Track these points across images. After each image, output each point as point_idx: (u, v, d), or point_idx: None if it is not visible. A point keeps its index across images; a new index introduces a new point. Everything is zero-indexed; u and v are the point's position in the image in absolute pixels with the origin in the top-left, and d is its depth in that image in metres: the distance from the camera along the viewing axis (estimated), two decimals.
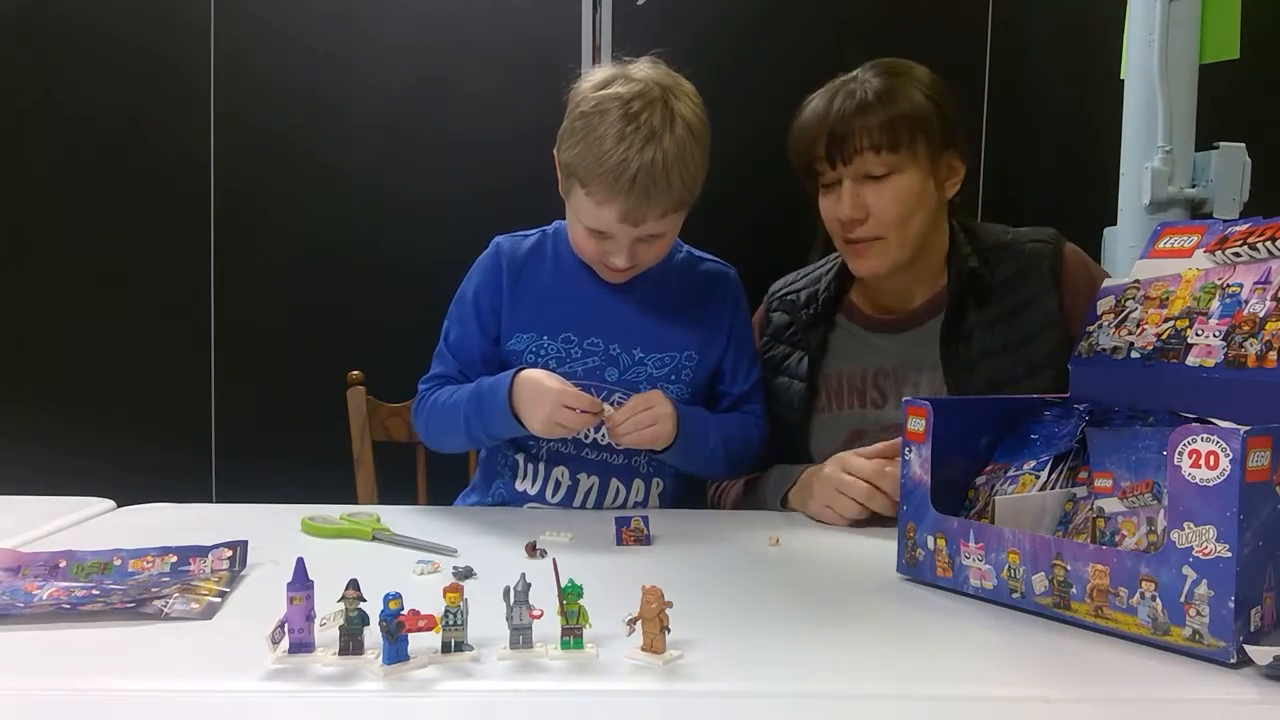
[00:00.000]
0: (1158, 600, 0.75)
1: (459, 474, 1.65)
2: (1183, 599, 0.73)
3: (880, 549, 1.05)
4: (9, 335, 2.35)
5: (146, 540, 1.02)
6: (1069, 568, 0.80)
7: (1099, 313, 1.04)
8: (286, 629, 0.72)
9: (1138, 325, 0.99)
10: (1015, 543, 0.85)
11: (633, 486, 1.39)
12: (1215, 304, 0.93)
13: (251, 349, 2.36)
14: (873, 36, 2.26)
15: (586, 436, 1.36)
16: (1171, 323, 0.96)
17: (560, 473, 1.38)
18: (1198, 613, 0.72)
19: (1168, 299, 0.98)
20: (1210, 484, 0.72)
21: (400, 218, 2.33)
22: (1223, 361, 0.90)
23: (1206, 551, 0.72)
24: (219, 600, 0.86)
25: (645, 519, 1.12)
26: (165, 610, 0.82)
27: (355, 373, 1.72)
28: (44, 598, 0.83)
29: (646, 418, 1.25)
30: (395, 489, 1.68)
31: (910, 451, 0.96)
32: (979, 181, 2.22)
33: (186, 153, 2.32)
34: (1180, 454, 0.73)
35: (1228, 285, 0.93)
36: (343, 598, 0.72)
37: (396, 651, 0.70)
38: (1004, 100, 2.33)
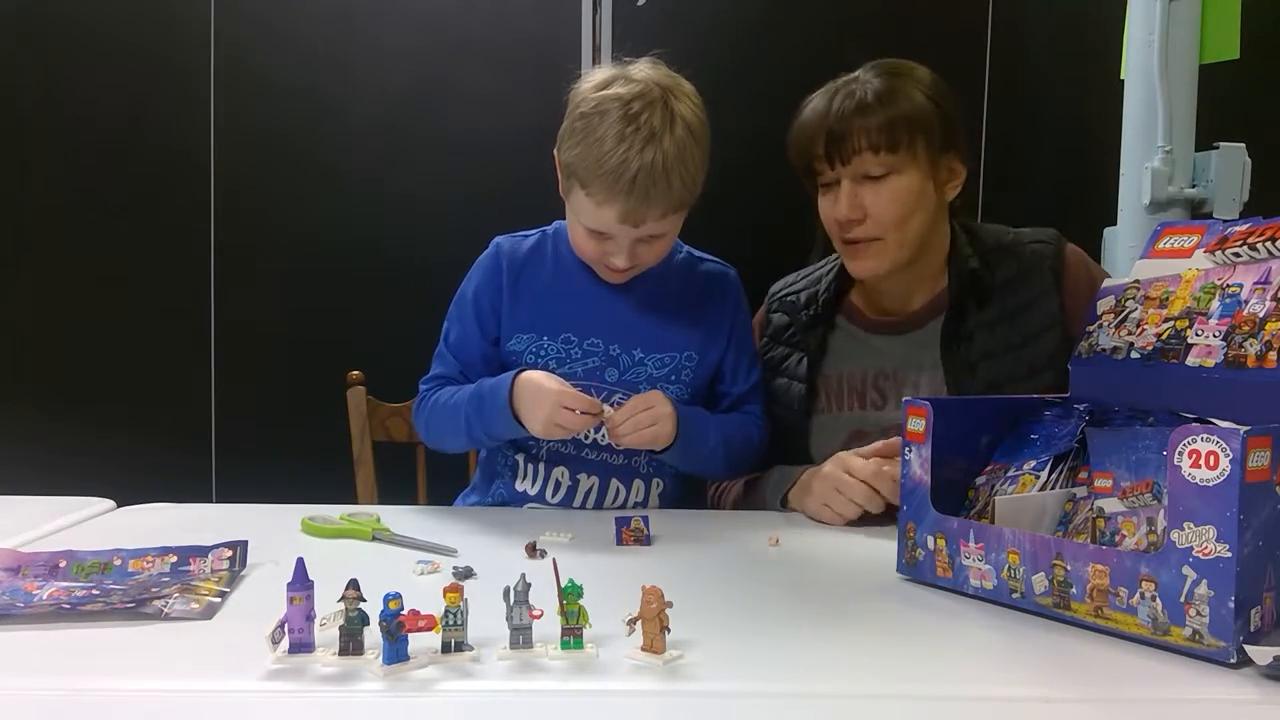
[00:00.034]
0: (1158, 600, 0.75)
1: (459, 474, 1.65)
2: (1183, 599, 0.73)
3: (880, 549, 1.05)
4: (9, 335, 2.35)
5: (146, 540, 1.02)
6: (1069, 568, 0.80)
7: (1099, 313, 1.04)
8: (286, 629, 0.72)
9: (1138, 325, 0.99)
10: (1015, 543, 0.85)
11: (633, 487, 1.39)
12: (1215, 304, 0.93)
13: (251, 349, 2.36)
14: (873, 36, 2.26)
15: (586, 437, 1.36)
16: (1171, 323, 0.96)
17: (560, 473, 1.38)
18: (1198, 613, 0.72)
19: (1168, 299, 0.98)
20: (1210, 484, 0.72)
21: (400, 218, 2.33)
22: (1223, 361, 0.90)
23: (1206, 551, 0.72)
24: (219, 600, 0.86)
25: (645, 519, 1.12)
26: (165, 610, 0.82)
27: (355, 373, 1.72)
28: (44, 598, 0.83)
29: (646, 418, 1.25)
30: (395, 489, 1.68)
31: (910, 451, 0.96)
32: (979, 182, 2.22)
33: (186, 153, 2.32)
34: (1180, 454, 0.73)
35: (1228, 285, 0.93)
36: (343, 598, 0.72)
37: (396, 651, 0.70)
38: (1004, 100, 2.33)
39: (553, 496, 1.38)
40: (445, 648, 0.73)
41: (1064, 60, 2.33)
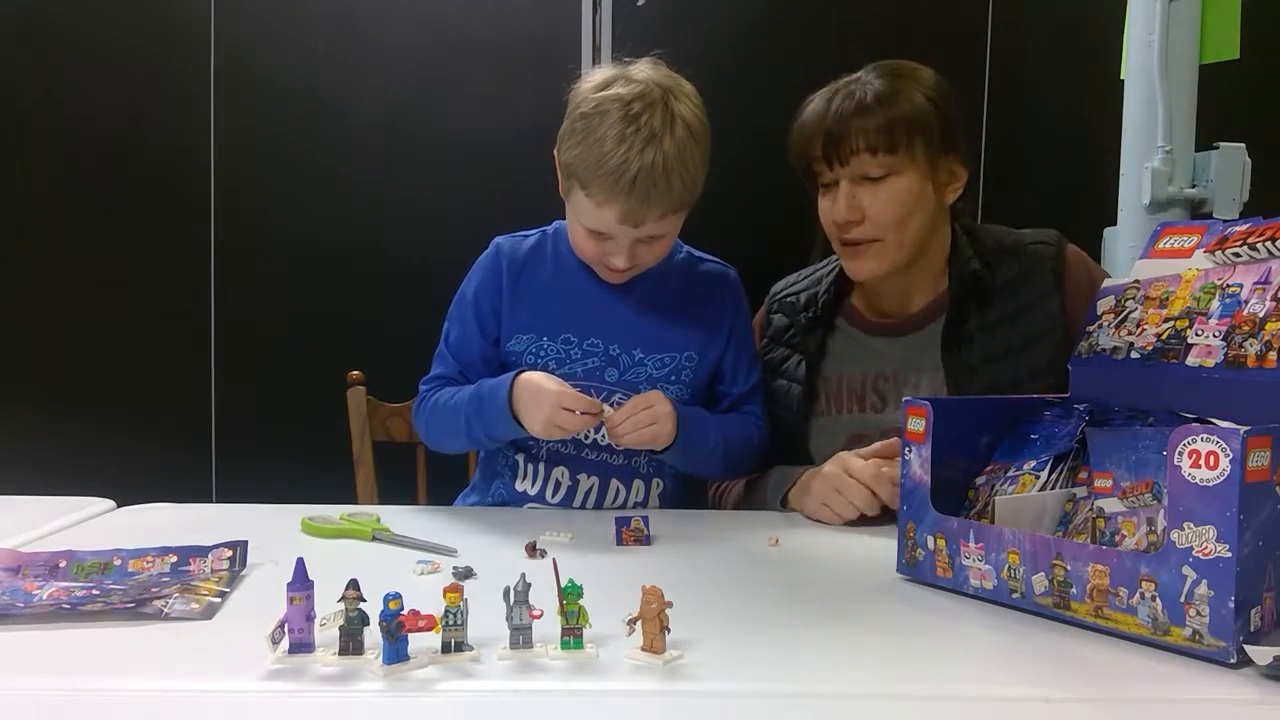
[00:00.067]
0: (1158, 600, 0.75)
1: (459, 474, 1.65)
2: (1183, 599, 0.73)
3: (880, 549, 1.05)
4: (9, 335, 2.36)
5: (146, 540, 1.02)
6: (1069, 568, 0.80)
7: (1099, 313, 1.04)
8: (286, 629, 0.72)
9: (1138, 325, 0.99)
10: (1015, 543, 0.85)
11: (633, 487, 1.39)
12: (1215, 304, 0.93)
13: (251, 349, 2.36)
14: (873, 37, 2.26)
15: (586, 437, 1.36)
16: (1171, 323, 0.96)
17: (560, 473, 1.38)
18: (1198, 613, 0.72)
19: (1168, 299, 0.98)
20: (1210, 484, 0.72)
21: (400, 218, 2.33)
22: (1223, 361, 0.90)
23: (1206, 551, 0.72)
24: (219, 600, 0.86)
25: (645, 519, 1.12)
26: (165, 610, 0.82)
27: (355, 373, 1.72)
28: (44, 598, 0.83)
29: (646, 417, 1.25)
30: (395, 489, 1.68)
31: (910, 451, 0.96)
32: (979, 182, 2.22)
33: (186, 153, 2.32)
34: (1180, 454, 0.73)
35: (1228, 285, 0.93)
36: (343, 598, 0.72)
37: (396, 651, 0.70)
38: (1004, 100, 2.33)
39: (553, 496, 1.38)
40: (445, 648, 0.73)
41: (1064, 60, 2.33)
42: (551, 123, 1.33)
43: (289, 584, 0.72)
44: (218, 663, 0.73)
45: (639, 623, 0.73)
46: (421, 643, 0.72)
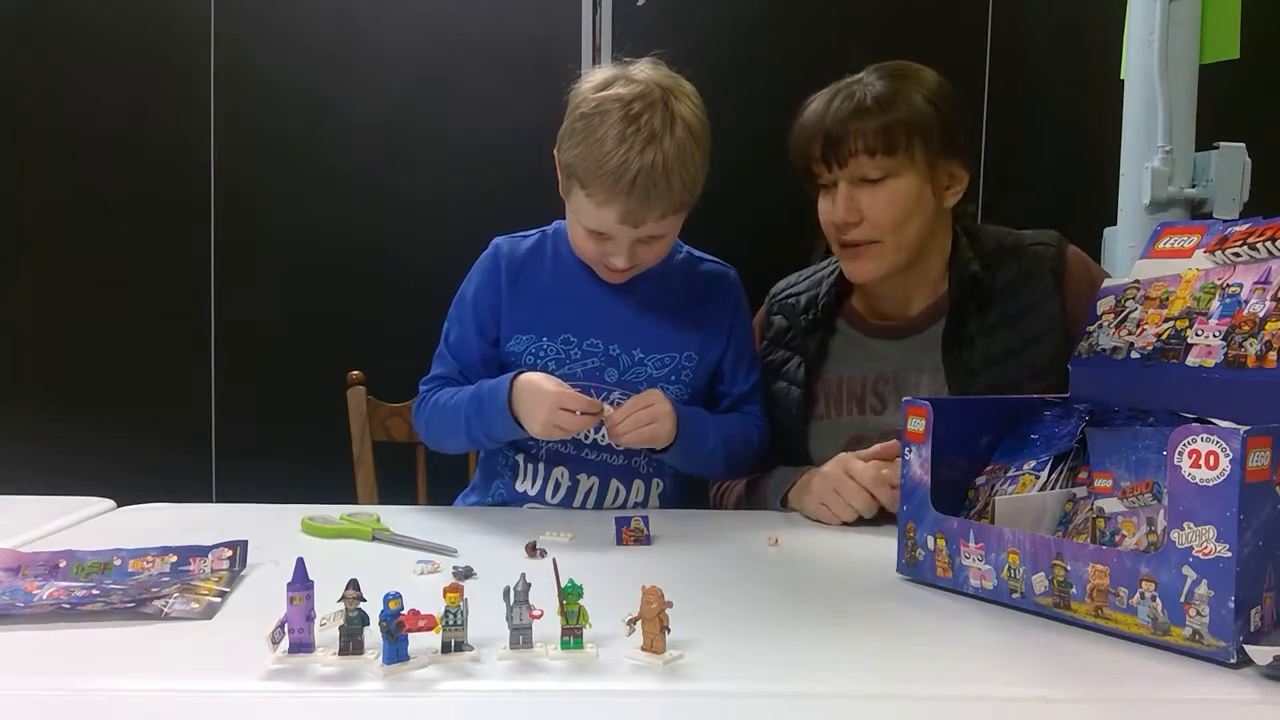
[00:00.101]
0: (1158, 600, 0.75)
1: (459, 474, 1.65)
2: (1183, 599, 0.73)
3: (880, 549, 1.05)
4: (9, 335, 2.36)
5: (146, 540, 1.02)
6: (1069, 568, 0.80)
7: (1099, 313, 1.04)
8: (286, 629, 0.72)
9: (1138, 325, 0.99)
10: (1015, 543, 0.85)
11: (632, 487, 1.39)
12: (1215, 304, 0.93)
13: (251, 349, 2.36)
14: (873, 37, 2.26)
15: (586, 437, 1.36)
16: (1171, 323, 0.96)
17: (560, 473, 1.38)
18: (1198, 613, 0.72)
19: (1168, 299, 0.98)
20: (1210, 484, 0.72)
21: (400, 218, 2.33)
22: (1223, 361, 0.90)
23: (1206, 551, 0.72)
24: (219, 600, 0.86)
25: (645, 519, 1.12)
26: (165, 610, 0.82)
27: (355, 373, 1.72)
28: (44, 598, 0.83)
29: (645, 416, 1.25)
30: (395, 489, 1.68)
31: (910, 451, 0.96)
32: (979, 182, 2.22)
33: (186, 153, 2.32)
34: (1180, 454, 0.73)
35: (1228, 285, 0.93)
36: (343, 598, 0.72)
37: (396, 651, 0.70)
38: (1004, 101, 2.33)
39: (553, 497, 1.38)
40: (445, 648, 0.73)
41: (1064, 60, 2.33)
42: (551, 123, 1.33)
43: (289, 584, 0.72)
44: (218, 663, 0.73)
45: (639, 623, 0.73)
46: (421, 643, 0.72)
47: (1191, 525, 0.73)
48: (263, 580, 0.94)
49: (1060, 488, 0.96)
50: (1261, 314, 0.89)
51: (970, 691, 0.70)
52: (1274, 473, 0.73)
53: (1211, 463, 0.72)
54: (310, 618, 0.72)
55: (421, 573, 0.97)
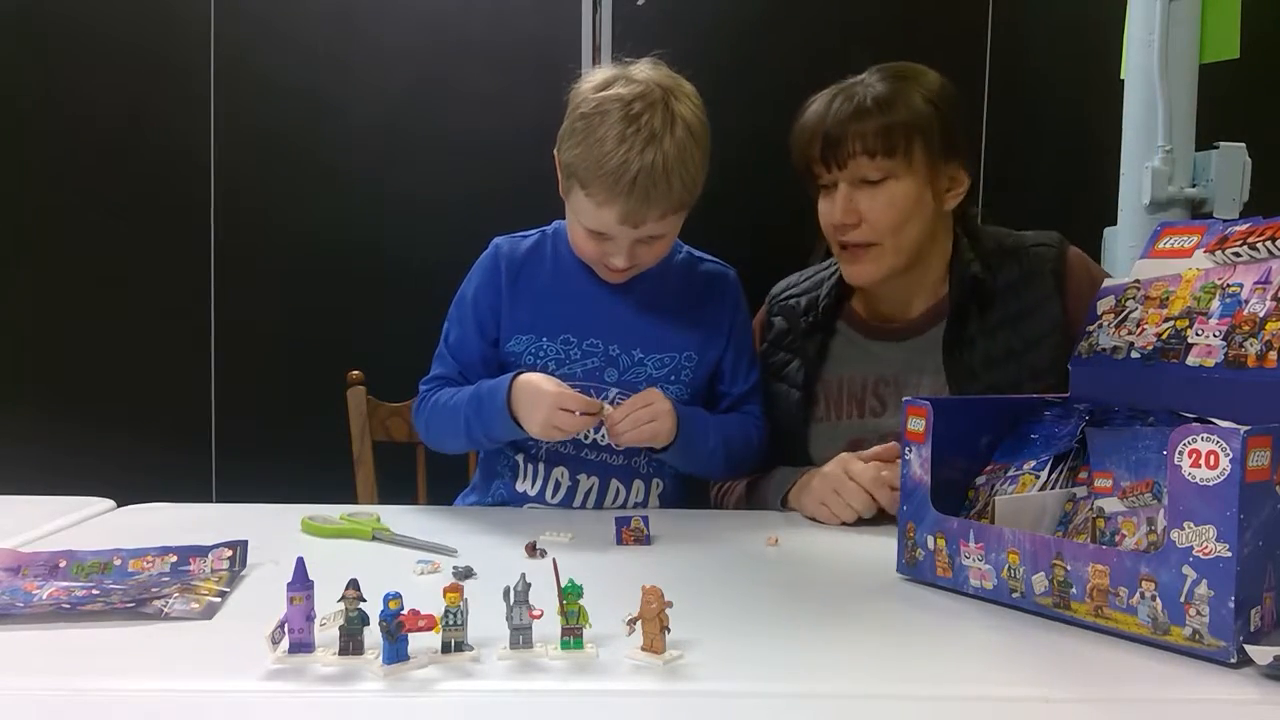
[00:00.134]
0: (1158, 600, 0.75)
1: (459, 474, 1.65)
2: (1183, 599, 0.73)
3: (880, 549, 1.05)
4: (9, 335, 2.35)
5: (146, 540, 1.02)
6: (1069, 568, 0.80)
7: (1099, 313, 1.04)
8: (286, 629, 0.72)
9: (1138, 325, 0.99)
10: (1015, 543, 0.85)
11: (632, 487, 1.39)
12: (1215, 304, 0.93)
13: (251, 349, 2.36)
14: (873, 37, 2.26)
15: (586, 437, 1.36)
16: (1171, 323, 0.96)
17: (560, 473, 1.38)
18: (1198, 613, 0.72)
19: (1168, 299, 0.98)
20: (1210, 484, 0.72)
21: (400, 218, 2.33)
22: (1223, 361, 0.90)
23: (1206, 551, 0.72)
24: (219, 600, 0.86)
25: (645, 519, 1.12)
26: (165, 610, 0.82)
27: (355, 373, 1.72)
28: (44, 598, 0.83)
29: (645, 414, 1.25)
30: (395, 489, 1.68)
31: (910, 451, 0.96)
32: (979, 183, 2.21)
33: (186, 153, 2.32)
34: (1180, 454, 0.73)
35: (1228, 285, 0.93)
36: (343, 598, 0.72)
37: (396, 651, 0.70)
38: (1004, 101, 2.33)
39: (553, 497, 1.38)
40: (445, 648, 0.73)
41: (1064, 60, 2.33)
42: (551, 123, 1.33)
43: (289, 584, 0.72)
44: (218, 663, 0.73)
45: (639, 623, 0.73)
46: (421, 643, 0.72)
47: (1191, 525, 0.73)
48: (263, 580, 0.94)
49: (1060, 488, 0.96)
50: (1261, 314, 0.89)
51: (970, 691, 0.70)
52: (1274, 473, 0.73)
53: (1211, 462, 0.72)
54: (310, 618, 0.72)
55: (421, 573, 0.97)
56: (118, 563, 0.95)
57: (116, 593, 0.85)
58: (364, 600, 0.72)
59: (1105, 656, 0.76)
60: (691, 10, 2.31)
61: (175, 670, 0.72)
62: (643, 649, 0.73)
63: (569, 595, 0.73)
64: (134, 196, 2.33)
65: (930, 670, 0.74)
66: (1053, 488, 0.95)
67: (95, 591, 0.85)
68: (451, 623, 0.73)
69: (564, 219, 1.37)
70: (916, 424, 0.95)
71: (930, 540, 0.93)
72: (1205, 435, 0.72)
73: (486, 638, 0.74)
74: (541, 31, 2.31)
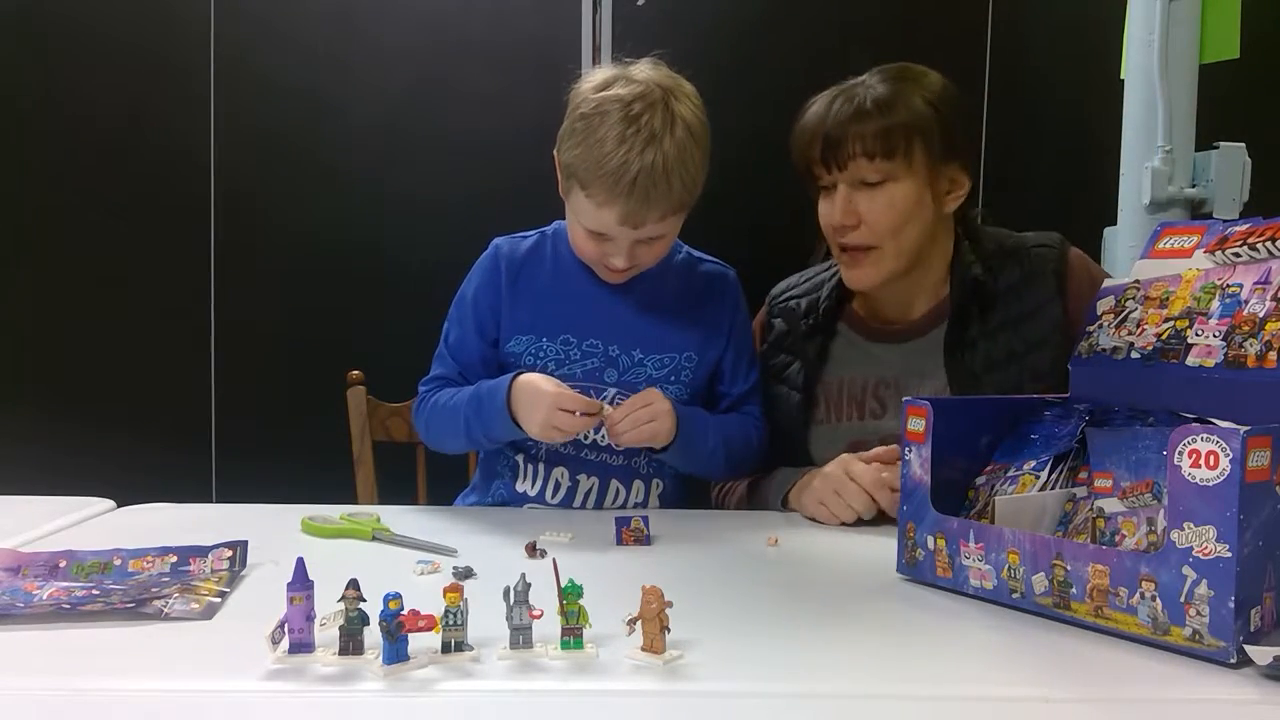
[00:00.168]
0: (1158, 600, 0.75)
1: (459, 474, 1.65)
2: (1183, 599, 0.73)
3: (880, 549, 1.05)
4: (9, 335, 2.36)
5: (146, 540, 1.02)
6: (1069, 568, 0.80)
7: (1099, 313, 1.04)
8: (286, 629, 0.72)
9: (1138, 325, 0.99)
10: (1015, 543, 0.85)
11: (632, 487, 1.39)
12: (1215, 304, 0.93)
13: (251, 349, 2.36)
14: (873, 37, 2.26)
15: (586, 438, 1.36)
16: (1171, 323, 0.96)
17: (560, 474, 1.38)
18: (1198, 613, 0.72)
19: (1168, 299, 0.98)
20: (1210, 484, 0.72)
21: (400, 218, 2.33)
22: (1223, 361, 0.90)
23: (1206, 551, 0.72)
24: (219, 600, 0.86)
25: (645, 519, 1.12)
26: (165, 610, 0.82)
27: (355, 373, 1.72)
28: (44, 598, 0.83)
29: (645, 414, 1.25)
30: (395, 489, 1.68)
31: (910, 451, 0.96)
32: (979, 182, 2.21)
33: (186, 153, 2.32)
34: (1180, 454, 0.73)
35: (1228, 285, 0.93)
36: (343, 598, 0.72)
37: (396, 651, 0.70)
38: (1004, 101, 2.33)
39: (552, 497, 1.38)
40: (445, 648, 0.73)
41: (1064, 60, 2.33)
42: (551, 123, 1.32)
43: (289, 584, 0.72)
44: (218, 663, 0.73)
45: (639, 623, 0.73)
46: (421, 643, 0.72)
47: (1191, 525, 0.73)
48: (263, 580, 0.94)
49: (1060, 488, 0.96)
50: (1261, 314, 0.89)
51: (970, 691, 0.70)
52: (1274, 473, 0.73)
53: (1211, 463, 0.72)
54: (310, 618, 0.72)
55: (421, 573, 0.97)
56: (118, 563, 0.95)
57: (116, 593, 0.85)
58: (364, 600, 0.72)
59: (1105, 656, 0.76)
60: (691, 10, 2.31)
61: (175, 670, 0.72)
62: (643, 649, 0.73)
63: (569, 595, 0.73)
64: (134, 196, 2.33)
65: (930, 670, 0.74)
66: (1053, 488, 0.95)
67: (95, 592, 0.85)
68: (451, 623, 0.73)
69: (564, 219, 1.37)
70: (916, 424, 0.95)
71: (930, 540, 0.93)
72: (1205, 435, 0.72)
73: (486, 638, 0.74)
74: (541, 31, 2.31)
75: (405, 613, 0.71)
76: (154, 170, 2.33)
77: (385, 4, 2.32)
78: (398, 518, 1.18)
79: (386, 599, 0.70)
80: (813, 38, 2.28)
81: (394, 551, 1.07)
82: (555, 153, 1.32)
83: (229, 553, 0.97)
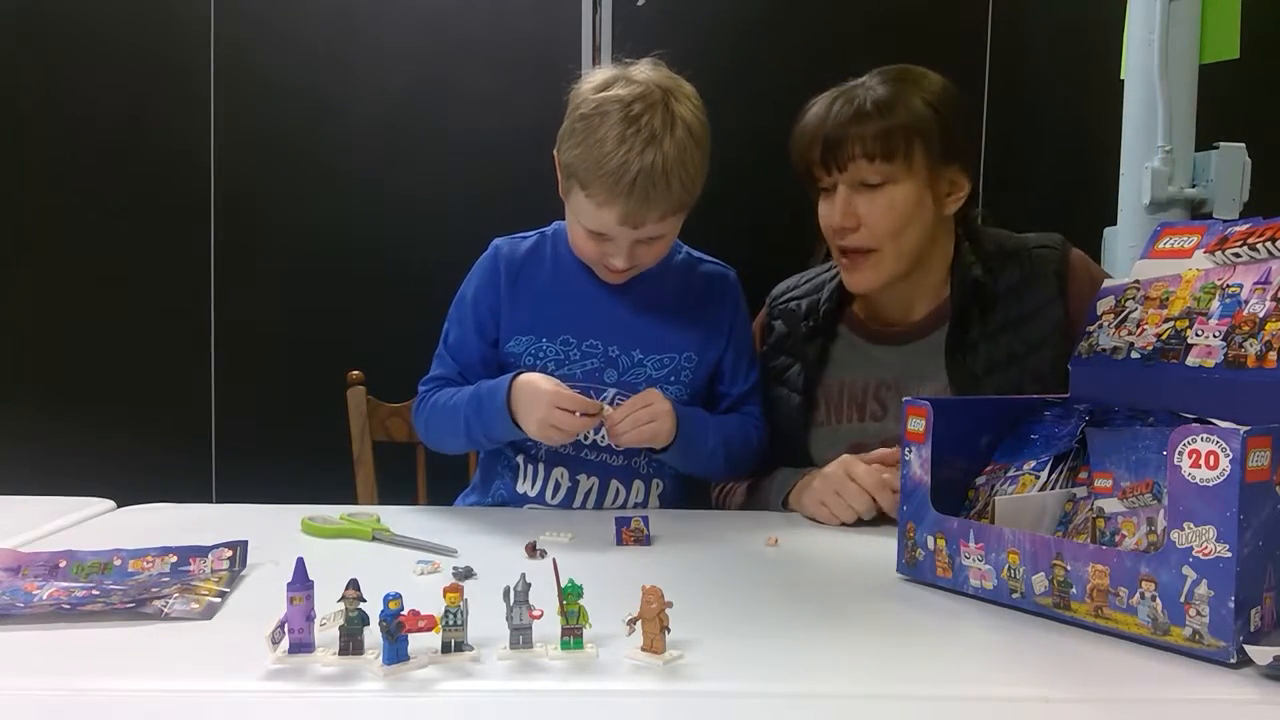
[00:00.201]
0: (1158, 600, 0.75)
1: (459, 474, 1.65)
2: (1183, 599, 0.73)
3: (880, 549, 1.05)
4: (9, 335, 2.36)
5: (146, 540, 1.02)
6: (1069, 568, 0.80)
7: (1099, 313, 1.04)
8: (286, 629, 0.72)
9: (1138, 325, 0.99)
10: (1015, 543, 0.85)
11: (632, 488, 1.39)
12: (1215, 304, 0.93)
13: (251, 349, 2.36)
14: (873, 38, 2.26)
15: (586, 438, 1.36)
16: (1171, 323, 0.96)
17: (560, 474, 1.38)
18: (1198, 613, 0.72)
19: (1168, 299, 0.98)
20: (1210, 484, 0.72)
21: (400, 218, 2.33)
22: (1223, 361, 0.90)
23: (1206, 551, 0.72)
24: (219, 600, 0.86)
25: (645, 519, 1.12)
26: (165, 610, 0.82)
27: (355, 373, 1.72)
28: (44, 598, 0.83)
29: (645, 415, 1.25)
30: (395, 489, 1.68)
31: (910, 451, 0.96)
32: (979, 182, 2.21)
33: (186, 153, 2.32)
34: (1180, 454, 0.73)
35: (1228, 285, 0.93)
36: (343, 598, 0.72)
37: (396, 651, 0.70)
38: (1004, 101, 2.33)
39: (552, 497, 1.38)
40: (445, 648, 0.73)
41: (1064, 60, 2.33)
42: (551, 123, 1.32)
43: (289, 584, 0.72)
44: (218, 663, 0.73)
45: (639, 623, 0.73)
46: (421, 643, 0.72)
47: (1191, 525, 0.73)
48: (263, 580, 0.94)
49: (1060, 488, 0.96)
50: (1261, 314, 0.89)
51: (970, 691, 0.70)
52: (1274, 473, 0.73)
53: (1211, 463, 0.72)
54: (310, 618, 0.72)
55: (421, 573, 0.97)
56: (118, 563, 0.95)
57: (116, 593, 0.85)
58: (364, 600, 0.72)
59: (1105, 656, 0.76)
60: (691, 10, 2.31)
61: (175, 670, 0.72)
62: (643, 649, 0.73)
63: (569, 595, 0.73)
64: (134, 196, 2.33)
65: (930, 670, 0.74)
66: (1053, 488, 0.95)
67: (95, 592, 0.85)
68: (451, 623, 0.73)
69: (564, 219, 1.37)
70: (916, 424, 0.95)
71: (930, 540, 0.93)
72: (1205, 435, 0.72)
73: (486, 638, 0.74)
74: (541, 31, 2.31)
75: (405, 613, 0.71)
76: (154, 170, 2.33)
77: (385, 4, 2.32)
78: (398, 518, 1.18)
79: (386, 599, 0.70)
80: (813, 38, 2.28)
81: (394, 551, 1.07)
82: (555, 153, 1.32)
83: (229, 553, 0.97)
